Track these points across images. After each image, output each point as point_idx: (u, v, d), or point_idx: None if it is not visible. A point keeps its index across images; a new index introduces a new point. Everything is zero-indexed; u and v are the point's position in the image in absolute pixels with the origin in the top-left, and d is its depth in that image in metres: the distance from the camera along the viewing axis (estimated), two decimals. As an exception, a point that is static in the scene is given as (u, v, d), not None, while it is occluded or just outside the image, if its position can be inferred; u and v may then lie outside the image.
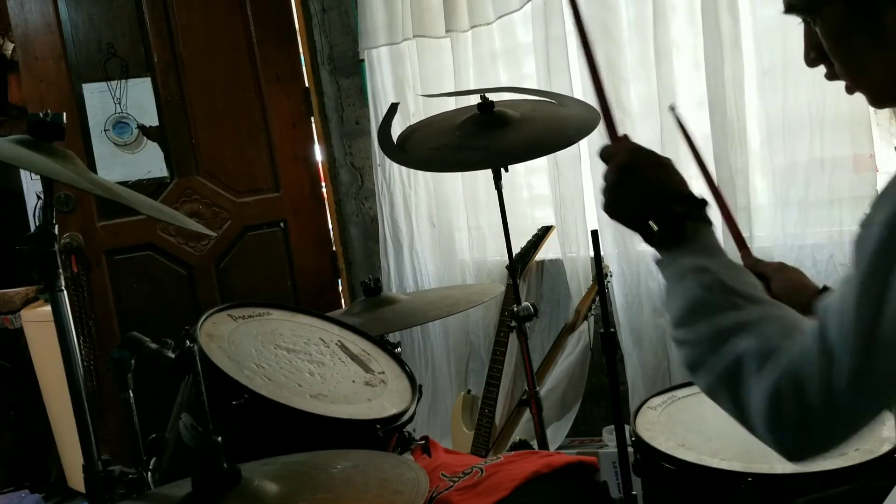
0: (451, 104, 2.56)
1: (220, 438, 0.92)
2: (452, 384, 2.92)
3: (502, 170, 1.89)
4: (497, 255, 2.78)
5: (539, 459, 1.54)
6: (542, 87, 2.48)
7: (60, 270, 1.25)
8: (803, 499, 1.25)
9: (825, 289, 1.19)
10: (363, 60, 3.00)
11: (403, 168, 2.89)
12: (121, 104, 2.94)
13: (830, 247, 2.06)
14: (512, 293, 2.07)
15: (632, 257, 2.42)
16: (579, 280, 2.54)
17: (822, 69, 0.92)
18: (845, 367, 0.72)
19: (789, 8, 0.91)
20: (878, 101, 0.93)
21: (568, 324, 2.53)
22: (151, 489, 1.26)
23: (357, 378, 1.43)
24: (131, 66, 2.95)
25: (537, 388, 1.97)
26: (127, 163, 2.96)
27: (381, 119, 2.07)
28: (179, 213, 2.15)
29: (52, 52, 2.83)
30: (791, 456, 0.80)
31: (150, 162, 2.99)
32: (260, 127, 3.13)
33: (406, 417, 1.37)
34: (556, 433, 2.61)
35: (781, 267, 1.25)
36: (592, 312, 2.48)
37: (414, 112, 2.85)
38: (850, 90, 0.93)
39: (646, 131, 2.36)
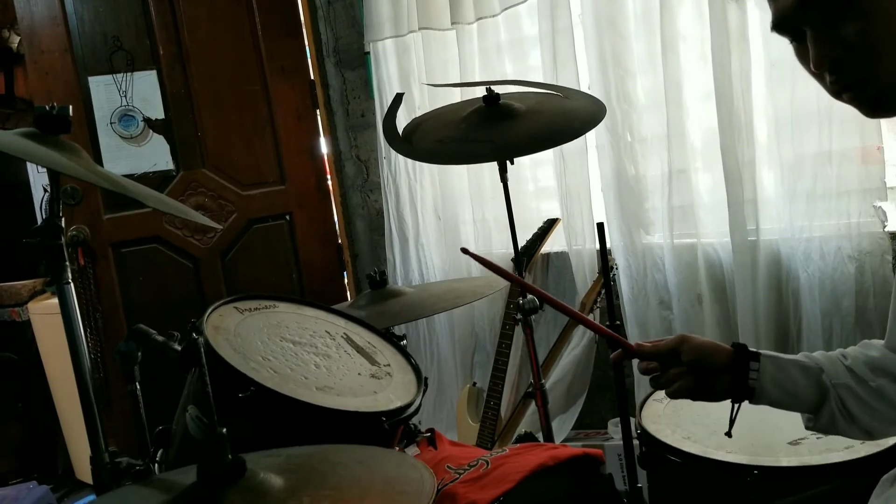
0: (456, 97, 2.56)
1: (225, 430, 0.92)
2: (458, 377, 2.92)
3: (508, 162, 1.88)
4: (502, 248, 2.78)
5: (544, 452, 1.54)
6: (548, 80, 2.47)
7: (67, 263, 1.26)
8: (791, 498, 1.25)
9: (738, 345, 1.12)
10: (368, 53, 3.00)
11: (409, 161, 2.89)
12: (126, 97, 2.95)
13: (838, 239, 2.05)
14: (518, 286, 2.07)
15: (638, 250, 2.41)
16: (585, 273, 2.54)
17: None
18: None
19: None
20: (883, 104, 0.89)
21: (573, 317, 2.52)
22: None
23: (363, 370, 1.43)
24: (137, 59, 2.95)
25: (543, 381, 1.97)
26: (133, 156, 2.97)
27: (386, 111, 2.07)
28: (185, 205, 2.15)
29: (58, 45, 2.83)
30: None
31: (156, 155, 3.00)
32: (265, 120, 3.13)
33: (412, 410, 1.37)
34: (562, 426, 2.61)
35: (682, 338, 1.13)
36: (598, 305, 2.48)
37: (419, 105, 2.85)
38: (860, 90, 0.88)
39: (652, 124, 2.35)
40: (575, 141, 2.37)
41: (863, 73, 0.87)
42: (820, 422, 1.11)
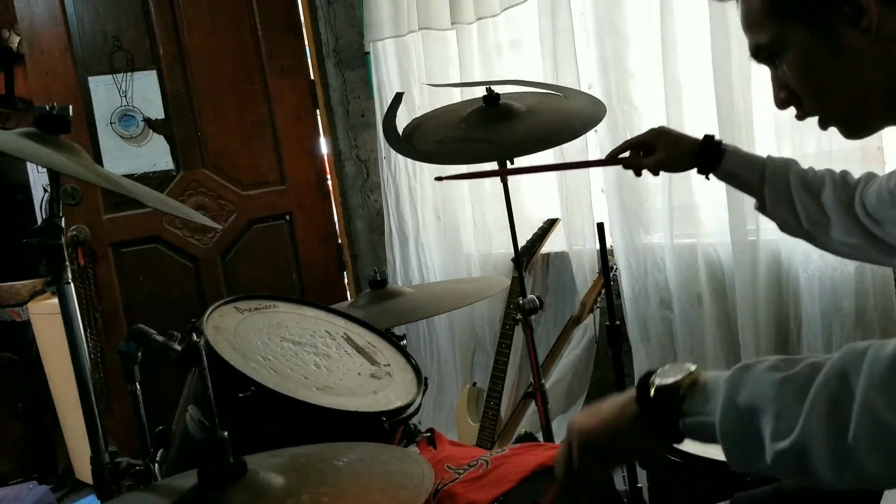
0: (456, 97, 2.56)
1: (226, 433, 0.92)
2: (458, 377, 2.92)
3: (508, 162, 1.88)
4: (502, 248, 2.78)
5: (544, 452, 1.54)
6: (548, 80, 2.47)
7: (67, 263, 1.25)
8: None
9: (708, 137, 1.44)
10: (369, 53, 3.00)
11: (409, 161, 2.89)
12: (127, 97, 2.95)
13: (838, 239, 2.05)
14: (517, 286, 2.07)
15: (639, 250, 2.42)
16: (585, 273, 2.54)
17: None
18: None
19: (756, 52, 0.99)
20: (850, 131, 0.99)
21: (573, 316, 2.52)
22: (158, 481, 1.26)
23: (363, 370, 1.43)
24: (137, 59, 2.95)
25: (543, 381, 1.97)
26: (133, 156, 2.97)
27: (386, 111, 2.07)
28: (185, 205, 2.15)
29: (58, 45, 2.83)
30: None
31: (156, 155, 3.00)
32: (265, 120, 3.13)
33: (412, 410, 1.37)
34: (562, 426, 2.61)
35: (657, 132, 1.52)
36: (598, 305, 2.48)
37: (419, 105, 2.85)
38: (823, 124, 0.99)
39: (652, 124, 2.34)
40: (575, 141, 2.37)
41: (808, 110, 0.98)
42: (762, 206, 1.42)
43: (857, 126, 0.98)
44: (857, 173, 2.00)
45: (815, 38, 0.90)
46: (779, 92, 0.99)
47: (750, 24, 0.99)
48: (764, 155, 1.45)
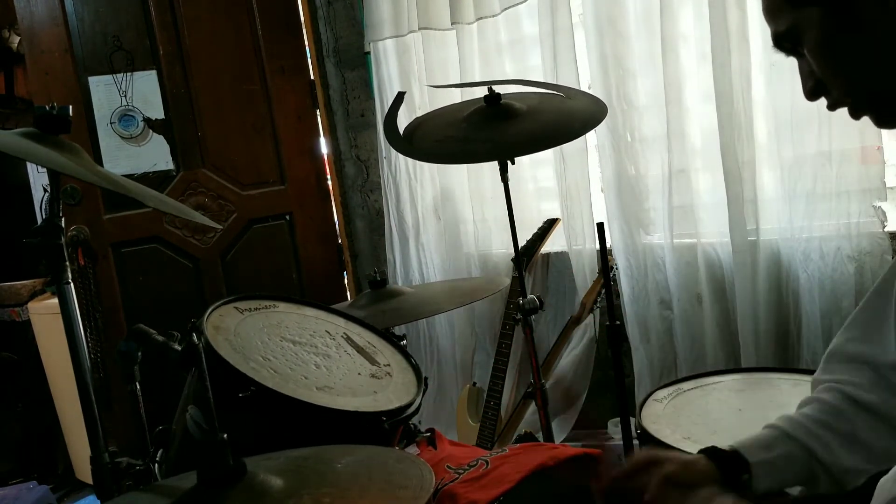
0: (456, 97, 2.56)
1: (225, 436, 0.92)
2: (458, 377, 2.92)
3: (508, 162, 1.88)
4: (502, 248, 2.78)
5: (544, 452, 1.54)
6: (549, 80, 2.47)
7: (67, 263, 1.26)
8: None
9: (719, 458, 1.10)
10: (369, 53, 3.00)
11: (409, 160, 2.89)
12: (126, 97, 2.95)
13: (838, 239, 2.05)
14: (517, 286, 2.07)
15: (639, 250, 2.42)
16: (585, 273, 2.54)
17: None
18: None
19: (777, 41, 0.96)
20: (881, 117, 0.93)
21: (573, 316, 2.53)
22: (158, 481, 1.26)
23: (363, 370, 1.43)
24: (137, 59, 2.95)
25: (543, 381, 1.97)
26: (133, 156, 2.97)
27: (386, 111, 2.07)
28: (185, 205, 2.15)
29: (58, 45, 2.83)
30: None
31: (156, 155, 3.00)
32: (265, 120, 3.13)
33: (411, 410, 1.37)
34: (562, 426, 2.61)
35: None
36: (598, 305, 2.48)
37: (420, 105, 2.85)
38: (853, 112, 0.94)
39: (652, 124, 2.35)
40: (575, 141, 2.37)
41: (837, 98, 0.93)
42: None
43: (888, 110, 0.92)
44: (856, 173, 2.01)
45: (831, 18, 0.87)
46: (807, 82, 0.95)
47: (769, 12, 0.95)
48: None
